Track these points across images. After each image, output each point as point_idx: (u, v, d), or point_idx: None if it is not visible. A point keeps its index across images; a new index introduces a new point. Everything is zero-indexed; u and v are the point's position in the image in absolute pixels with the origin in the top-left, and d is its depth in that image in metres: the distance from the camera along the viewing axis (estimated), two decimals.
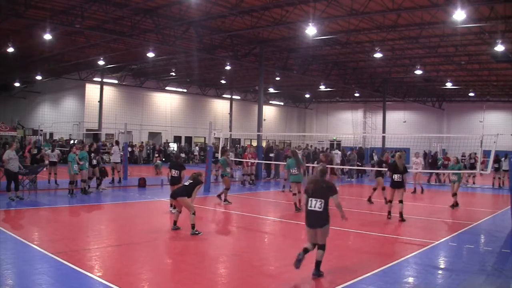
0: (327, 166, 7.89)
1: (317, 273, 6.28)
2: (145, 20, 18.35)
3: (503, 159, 19.60)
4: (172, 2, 16.77)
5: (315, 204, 6.25)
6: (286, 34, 21.08)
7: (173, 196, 8.98)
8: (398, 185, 11.07)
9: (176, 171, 11.11)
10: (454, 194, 13.54)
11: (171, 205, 11.34)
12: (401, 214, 10.97)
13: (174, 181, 11.06)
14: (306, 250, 6.30)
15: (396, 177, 11.08)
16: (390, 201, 11.28)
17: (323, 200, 6.23)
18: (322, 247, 6.31)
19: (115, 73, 32.18)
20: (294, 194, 12.43)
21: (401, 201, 10.97)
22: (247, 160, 18.71)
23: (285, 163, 21.83)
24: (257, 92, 29.18)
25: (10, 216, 10.40)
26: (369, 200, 14.02)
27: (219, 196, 13.42)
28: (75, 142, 24.98)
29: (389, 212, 11.23)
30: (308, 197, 6.35)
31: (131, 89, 35.21)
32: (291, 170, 12.53)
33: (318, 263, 6.30)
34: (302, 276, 6.38)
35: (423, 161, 18.17)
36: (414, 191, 17.37)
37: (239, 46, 22.72)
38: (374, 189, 14.08)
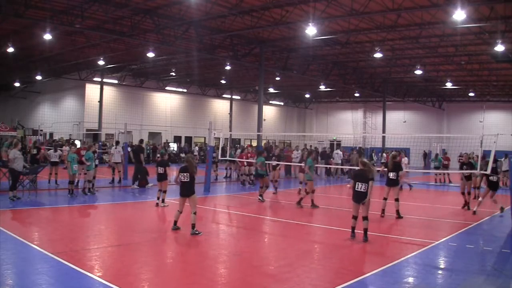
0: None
1: (365, 239, 8.46)
2: (145, 20, 18.35)
3: (502, 159, 19.58)
4: (172, 2, 16.77)
5: (360, 187, 8.39)
6: (286, 34, 21.08)
7: (186, 195, 8.96)
8: (393, 183, 11.51)
9: (162, 168, 12.24)
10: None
11: (157, 198, 12.37)
12: (397, 211, 11.33)
13: (161, 177, 12.24)
14: (353, 228, 8.64)
15: (391, 175, 11.55)
16: (385, 199, 11.58)
17: (365, 184, 8.34)
18: (366, 218, 8.49)
19: (115, 73, 32.17)
20: (307, 193, 12.96)
21: (397, 199, 11.36)
22: (242, 160, 18.68)
23: (284, 163, 22.05)
24: (257, 92, 29.20)
25: (10, 216, 10.39)
26: (467, 206, 13.21)
27: (259, 196, 13.89)
28: (72, 141, 24.89)
29: (383, 210, 11.48)
30: (355, 181, 8.48)
31: (131, 89, 35.20)
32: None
33: (365, 230, 8.52)
34: (302, 276, 6.39)
35: (407, 161, 18.78)
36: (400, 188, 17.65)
37: (239, 46, 22.72)
38: (463, 193, 13.56)
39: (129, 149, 18.88)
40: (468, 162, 13.67)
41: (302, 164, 17.62)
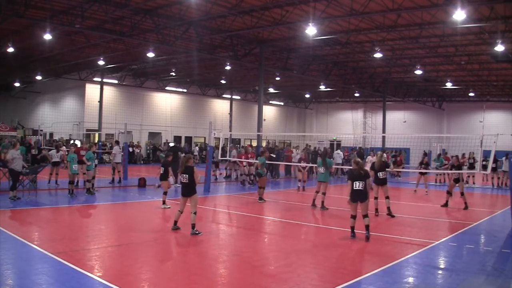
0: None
1: (368, 235, 8.66)
2: (145, 20, 18.34)
3: (503, 158, 19.61)
4: (172, 2, 16.77)
5: (359, 185, 8.65)
6: (286, 34, 21.08)
7: (187, 195, 8.98)
8: (382, 182, 11.70)
9: (163, 168, 12.46)
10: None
11: (163, 202, 12.12)
12: (388, 209, 11.47)
13: (162, 177, 12.45)
14: (352, 228, 8.77)
15: (380, 174, 11.73)
16: (376, 198, 11.68)
17: (363, 182, 8.66)
18: (366, 215, 8.73)
19: (115, 73, 32.17)
20: (317, 192, 12.92)
21: (387, 197, 11.53)
22: (242, 160, 18.68)
23: (284, 163, 22.11)
24: (257, 92, 29.18)
25: (10, 216, 10.39)
26: (446, 204, 13.57)
27: (259, 199, 13.81)
28: (73, 142, 24.90)
29: (376, 209, 11.57)
30: (353, 181, 8.70)
31: (131, 89, 35.20)
32: (319, 169, 13.05)
33: (367, 227, 8.73)
34: (302, 276, 6.39)
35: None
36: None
37: (239, 46, 22.72)
38: (448, 192, 13.77)
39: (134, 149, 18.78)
40: (457, 165, 13.85)
41: (301, 164, 17.76)
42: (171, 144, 34.73)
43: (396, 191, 18.12)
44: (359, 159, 9.24)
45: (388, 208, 11.45)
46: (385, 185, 11.72)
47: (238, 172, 21.02)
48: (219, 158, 19.46)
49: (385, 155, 17.21)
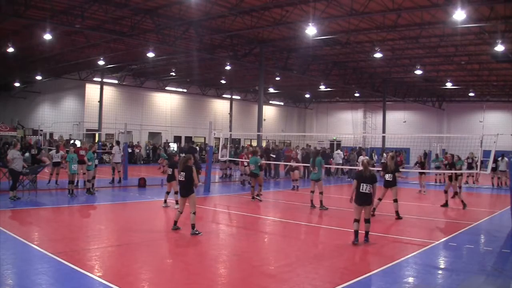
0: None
1: (366, 240, 8.37)
2: (145, 20, 18.35)
3: (499, 159, 19.62)
4: (172, 2, 16.78)
5: (366, 188, 8.27)
6: (286, 34, 21.09)
7: (185, 195, 8.96)
8: (390, 184, 11.46)
9: (171, 169, 12.02)
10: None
11: (176, 202, 11.78)
12: (397, 212, 11.28)
13: (169, 178, 12.10)
14: (356, 232, 8.28)
15: (387, 176, 11.51)
16: (380, 199, 11.51)
17: (370, 185, 8.28)
18: (368, 220, 8.42)
19: (115, 73, 32.18)
20: (312, 192, 12.87)
21: (395, 200, 11.29)
22: (242, 160, 18.69)
23: (284, 163, 22.11)
24: (257, 92, 29.20)
25: (10, 216, 10.39)
26: (446, 204, 13.60)
27: (257, 196, 13.90)
28: (72, 143, 24.86)
29: (374, 209, 11.25)
30: (360, 182, 8.30)
31: (131, 89, 35.20)
32: (311, 169, 12.99)
33: (366, 233, 8.43)
34: (302, 276, 6.39)
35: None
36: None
37: (239, 46, 22.72)
38: (446, 192, 13.82)
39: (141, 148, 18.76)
40: (451, 163, 13.82)
41: (291, 163, 17.89)
42: (171, 145, 35.09)
43: None
44: (367, 161, 8.92)
45: (397, 212, 11.21)
46: (394, 187, 11.42)
47: (230, 172, 21.10)
48: (219, 158, 19.49)
49: (385, 155, 17.24)
